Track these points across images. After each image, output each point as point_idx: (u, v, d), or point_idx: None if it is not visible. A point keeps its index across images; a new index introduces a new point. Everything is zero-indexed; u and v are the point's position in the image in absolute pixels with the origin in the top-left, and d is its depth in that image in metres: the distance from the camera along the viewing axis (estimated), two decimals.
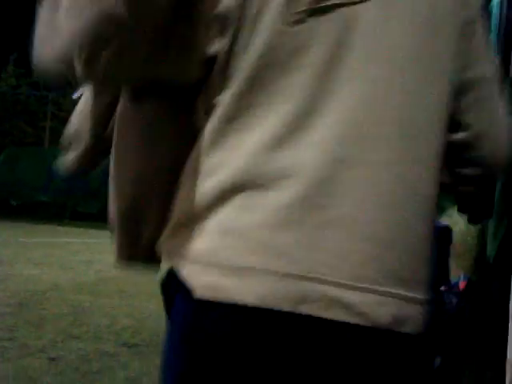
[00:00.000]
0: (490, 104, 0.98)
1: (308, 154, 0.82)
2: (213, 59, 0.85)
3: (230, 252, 0.81)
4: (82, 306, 5.13)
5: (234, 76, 0.84)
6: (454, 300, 3.95)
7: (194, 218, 0.86)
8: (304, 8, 0.81)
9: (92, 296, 5.58)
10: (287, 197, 0.81)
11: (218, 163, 0.82)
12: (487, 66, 0.98)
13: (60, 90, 17.06)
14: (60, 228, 12.79)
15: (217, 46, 0.83)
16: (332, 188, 0.83)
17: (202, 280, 0.81)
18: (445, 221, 1.34)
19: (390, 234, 0.86)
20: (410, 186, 0.88)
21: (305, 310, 0.78)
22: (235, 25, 0.83)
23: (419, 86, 0.88)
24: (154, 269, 0.97)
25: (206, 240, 0.83)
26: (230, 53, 0.84)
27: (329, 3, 0.83)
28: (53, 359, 3.58)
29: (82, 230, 12.64)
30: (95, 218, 13.91)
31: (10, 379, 3.17)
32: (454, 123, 0.95)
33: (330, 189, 0.83)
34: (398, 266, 0.85)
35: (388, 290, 0.83)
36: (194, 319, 0.81)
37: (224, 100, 0.83)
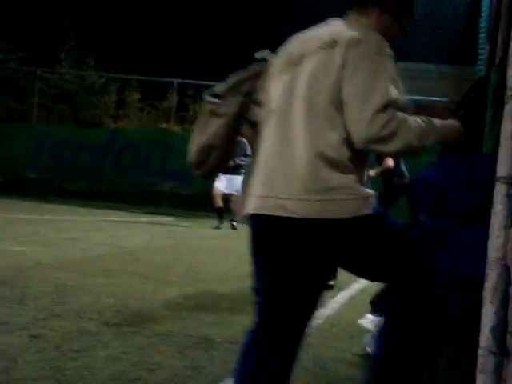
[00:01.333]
0: (350, 109, 1.91)
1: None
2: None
3: (250, 190, 2.11)
4: (65, 284, 5.11)
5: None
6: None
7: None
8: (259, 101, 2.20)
9: (76, 274, 5.56)
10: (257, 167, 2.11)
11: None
12: (348, 89, 1.91)
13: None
14: (46, 205, 12.71)
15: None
16: (265, 160, 2.09)
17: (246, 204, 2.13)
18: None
19: (285, 177, 2.00)
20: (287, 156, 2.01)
21: (271, 212, 1.99)
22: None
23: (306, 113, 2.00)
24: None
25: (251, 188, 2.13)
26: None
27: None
28: (34, 337, 3.57)
29: (68, 207, 12.56)
30: (82, 195, 13.85)
31: None
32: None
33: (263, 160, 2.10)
34: (302, 186, 1.95)
35: (302, 197, 1.94)
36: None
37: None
